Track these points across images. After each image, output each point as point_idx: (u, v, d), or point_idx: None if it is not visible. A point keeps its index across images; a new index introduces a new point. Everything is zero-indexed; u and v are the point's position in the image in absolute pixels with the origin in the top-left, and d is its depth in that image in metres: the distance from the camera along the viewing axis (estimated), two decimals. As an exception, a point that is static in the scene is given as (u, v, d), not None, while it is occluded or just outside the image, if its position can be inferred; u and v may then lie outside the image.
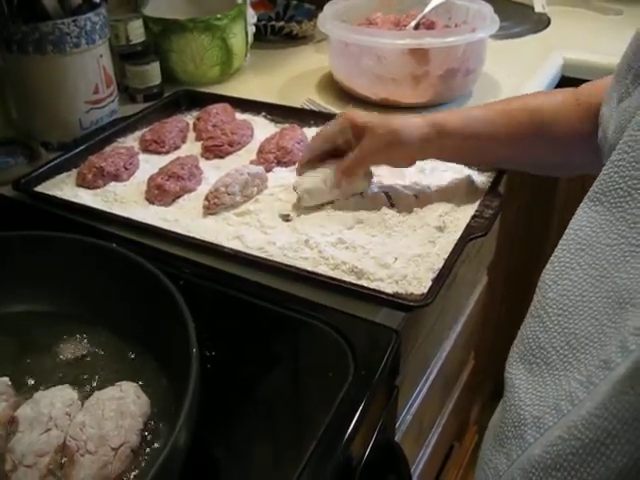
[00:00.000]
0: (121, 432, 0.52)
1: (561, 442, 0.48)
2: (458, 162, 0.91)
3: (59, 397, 0.55)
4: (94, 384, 0.59)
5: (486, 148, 0.86)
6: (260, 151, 0.98)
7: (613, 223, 0.54)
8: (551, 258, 0.59)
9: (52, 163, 0.96)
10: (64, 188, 0.93)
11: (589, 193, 0.58)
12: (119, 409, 0.54)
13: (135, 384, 0.58)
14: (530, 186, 0.90)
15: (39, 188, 0.92)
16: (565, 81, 1.36)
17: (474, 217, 0.83)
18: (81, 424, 0.52)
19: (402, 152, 0.84)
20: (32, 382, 0.60)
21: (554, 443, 0.49)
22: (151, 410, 0.56)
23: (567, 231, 0.58)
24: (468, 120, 0.84)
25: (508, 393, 0.57)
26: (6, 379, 0.58)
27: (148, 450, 0.54)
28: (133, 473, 0.52)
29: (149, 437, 0.55)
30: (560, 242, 0.58)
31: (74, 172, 0.96)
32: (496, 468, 0.55)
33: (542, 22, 1.58)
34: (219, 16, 1.22)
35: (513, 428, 0.54)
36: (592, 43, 1.44)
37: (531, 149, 0.84)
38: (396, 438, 0.87)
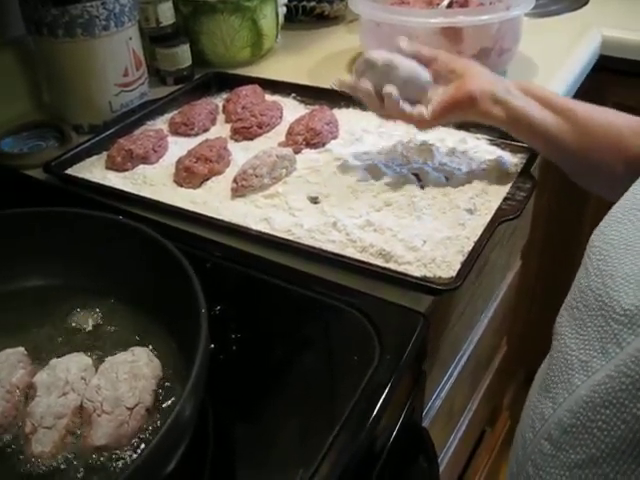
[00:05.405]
0: (135, 393, 0.54)
1: (609, 380, 0.49)
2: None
3: (74, 363, 0.57)
4: (107, 351, 0.60)
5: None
6: (289, 133, 0.97)
7: None
8: (605, 216, 0.59)
9: (82, 146, 0.97)
10: (94, 171, 0.93)
11: None
12: (132, 372, 0.55)
13: (147, 348, 0.59)
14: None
15: (69, 171, 0.93)
16: (604, 60, 1.33)
17: (506, 199, 0.81)
18: (96, 387, 0.54)
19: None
20: (47, 351, 0.60)
21: (602, 382, 0.49)
22: (163, 372, 0.57)
23: (626, 194, 0.59)
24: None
25: (555, 341, 0.58)
26: (22, 349, 0.59)
27: (162, 409, 0.55)
28: (148, 431, 0.53)
29: (162, 397, 0.56)
30: (616, 204, 0.59)
31: (104, 155, 0.96)
32: (542, 413, 0.56)
33: (580, -1, 1.54)
34: (249, -3, 1.20)
35: (560, 373, 0.55)
36: (631, 21, 1.39)
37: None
38: (426, 422, 0.87)
